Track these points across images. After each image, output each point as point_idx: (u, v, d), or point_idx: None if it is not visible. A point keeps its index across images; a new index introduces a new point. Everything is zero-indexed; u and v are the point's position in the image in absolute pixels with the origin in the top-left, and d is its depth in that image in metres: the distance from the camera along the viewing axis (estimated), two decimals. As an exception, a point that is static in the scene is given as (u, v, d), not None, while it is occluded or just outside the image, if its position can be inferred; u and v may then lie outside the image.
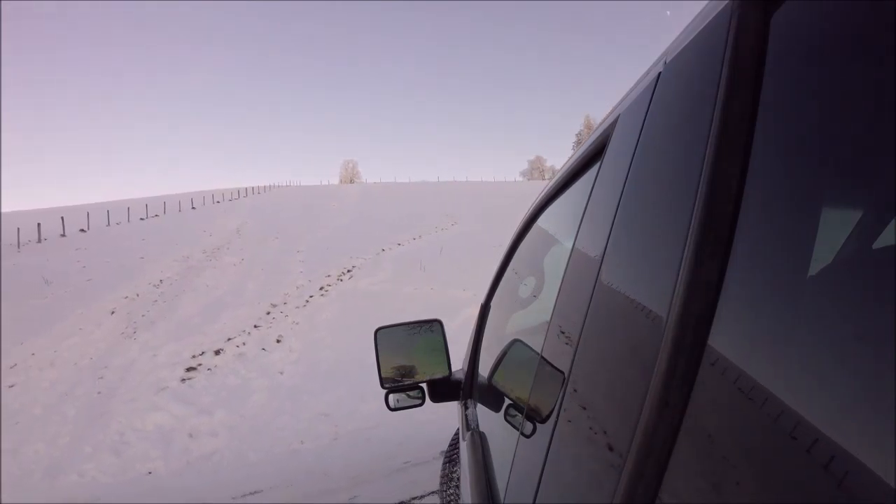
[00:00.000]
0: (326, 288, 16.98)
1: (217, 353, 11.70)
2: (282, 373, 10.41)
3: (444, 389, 2.56)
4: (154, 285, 18.38)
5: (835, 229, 0.59)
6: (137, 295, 17.18)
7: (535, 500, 0.99)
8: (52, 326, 14.23)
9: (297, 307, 15.02)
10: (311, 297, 16.03)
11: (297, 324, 13.40)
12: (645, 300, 0.72)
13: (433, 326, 2.55)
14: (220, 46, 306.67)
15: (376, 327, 2.49)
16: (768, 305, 0.50)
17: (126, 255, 23.82)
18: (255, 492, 6.04)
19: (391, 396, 2.51)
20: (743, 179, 0.57)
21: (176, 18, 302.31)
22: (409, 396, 2.55)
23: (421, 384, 2.51)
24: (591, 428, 0.83)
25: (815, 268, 0.48)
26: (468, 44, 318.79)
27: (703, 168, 0.60)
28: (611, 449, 0.69)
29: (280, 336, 12.58)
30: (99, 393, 10.00)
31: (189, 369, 10.81)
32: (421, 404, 2.56)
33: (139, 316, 14.90)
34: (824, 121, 0.49)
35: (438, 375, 2.50)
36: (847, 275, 0.49)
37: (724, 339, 0.54)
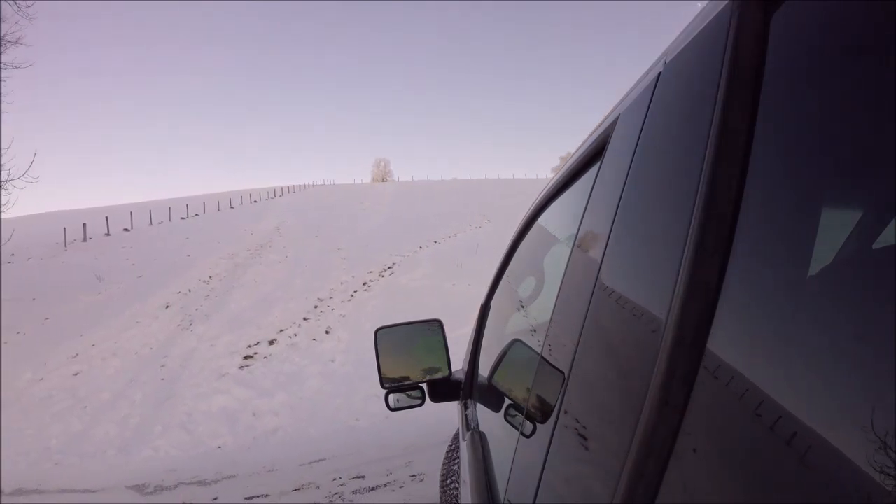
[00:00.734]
0: (369, 283, 17.55)
1: (271, 343, 12.38)
2: (333, 360, 10.96)
3: (444, 389, 2.56)
4: (204, 281, 19.15)
5: (835, 229, 0.60)
6: (189, 290, 17.94)
7: (535, 500, 1.00)
8: (109, 320, 15.08)
9: (343, 301, 15.62)
10: (355, 292, 16.62)
11: (343, 316, 13.99)
12: (645, 300, 0.72)
13: (433, 326, 2.54)
14: (247, 47, 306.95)
15: (376, 327, 2.51)
16: (768, 305, 0.50)
17: (173, 253, 24.62)
18: (321, 460, 6.65)
19: (391, 396, 2.51)
20: (743, 179, 0.57)
21: (196, 19, 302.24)
22: (409, 396, 2.55)
23: (421, 384, 2.51)
24: (591, 428, 0.83)
25: (815, 268, 0.48)
26: (502, 42, 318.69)
27: (703, 168, 0.60)
28: (611, 449, 0.69)
29: (329, 328, 13.15)
30: (163, 379, 10.68)
31: (246, 357, 11.50)
32: (421, 404, 2.57)
33: (193, 310, 15.67)
34: (824, 121, 0.49)
35: (438, 375, 2.50)
36: (847, 275, 0.50)
37: (724, 339, 0.54)
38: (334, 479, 5.99)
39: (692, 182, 0.62)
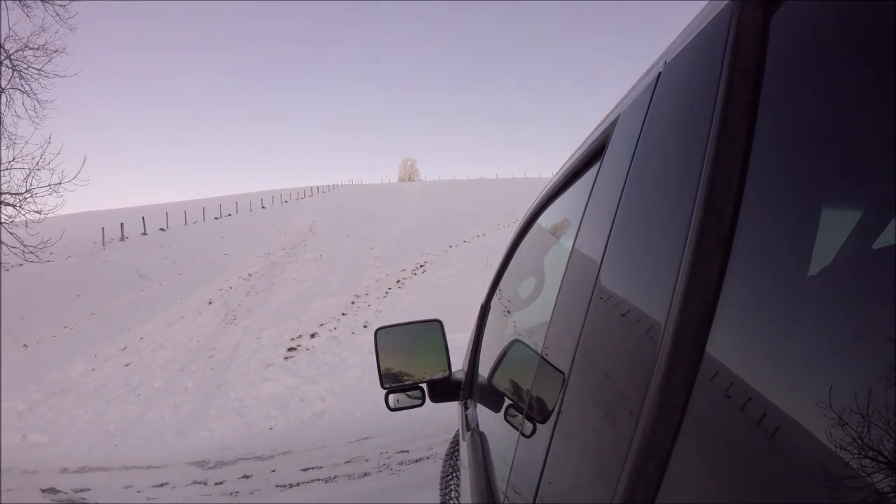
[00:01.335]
0: (403, 281, 18.00)
1: (312, 336, 12.95)
2: (372, 352, 11.34)
3: (444, 389, 2.55)
4: (244, 279, 19.87)
5: (835, 229, 0.60)
6: (230, 287, 18.67)
7: (535, 500, 0.99)
8: (154, 315, 15.80)
9: (378, 298, 16.15)
10: (389, 289, 17.13)
11: (380, 312, 14.50)
12: (645, 300, 0.72)
13: (433, 326, 2.53)
14: (253, 47, 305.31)
15: (376, 328, 2.54)
16: (768, 305, 0.50)
17: (210, 251, 25.36)
18: (367, 438, 7.28)
19: (391, 397, 2.52)
20: (743, 179, 0.56)
21: (213, 18, 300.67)
22: (409, 397, 2.56)
23: (421, 384, 2.51)
24: (591, 428, 0.83)
25: (815, 268, 0.48)
26: (527, 41, 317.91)
27: (703, 168, 0.60)
28: (611, 449, 0.69)
29: (366, 322, 13.60)
30: (212, 369, 11.25)
31: (290, 349, 12.06)
32: (421, 404, 2.57)
33: (236, 305, 16.39)
34: (824, 121, 0.49)
35: (438, 375, 2.49)
36: (847, 275, 0.50)
37: (723, 339, 0.54)
38: (381, 454, 6.73)
39: (692, 182, 0.62)
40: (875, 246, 0.61)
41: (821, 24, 0.53)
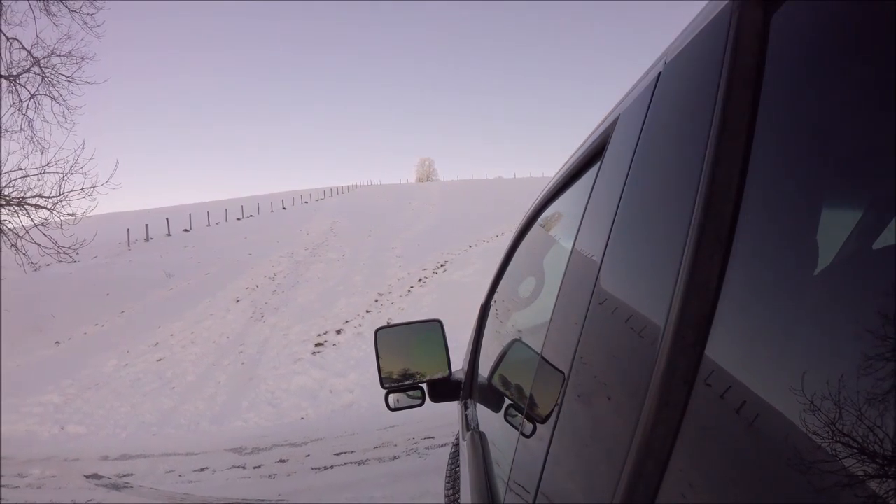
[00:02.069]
0: (424, 280, 18.25)
1: (338, 332, 13.30)
2: (395, 349, 11.71)
3: (444, 389, 2.55)
4: (269, 278, 20.32)
5: (835, 229, 0.59)
6: (257, 286, 19.09)
7: (535, 500, 0.99)
8: (183, 312, 16.31)
9: (401, 296, 16.44)
10: (411, 287, 17.40)
11: (403, 310, 14.78)
12: (645, 300, 0.72)
13: (433, 326, 2.53)
14: (255, 47, 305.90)
15: (376, 328, 2.52)
16: (768, 305, 0.50)
17: (235, 251, 25.82)
18: (394, 426, 7.68)
19: (391, 396, 2.50)
20: (743, 179, 0.56)
21: (220, 18, 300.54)
22: (409, 396, 2.55)
23: (421, 384, 2.50)
24: (591, 428, 0.84)
25: (814, 268, 0.49)
26: (543, 41, 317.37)
27: (703, 168, 0.60)
28: (611, 449, 0.69)
29: (390, 319, 13.81)
30: (243, 364, 11.66)
31: (317, 345, 12.44)
32: (421, 404, 2.56)
33: (263, 303, 16.81)
34: (824, 121, 0.49)
35: (438, 375, 2.48)
36: (847, 275, 0.50)
37: (723, 339, 0.54)
38: (408, 440, 7.20)
39: (692, 182, 0.62)
40: (875, 246, 0.60)
41: (821, 24, 0.53)
